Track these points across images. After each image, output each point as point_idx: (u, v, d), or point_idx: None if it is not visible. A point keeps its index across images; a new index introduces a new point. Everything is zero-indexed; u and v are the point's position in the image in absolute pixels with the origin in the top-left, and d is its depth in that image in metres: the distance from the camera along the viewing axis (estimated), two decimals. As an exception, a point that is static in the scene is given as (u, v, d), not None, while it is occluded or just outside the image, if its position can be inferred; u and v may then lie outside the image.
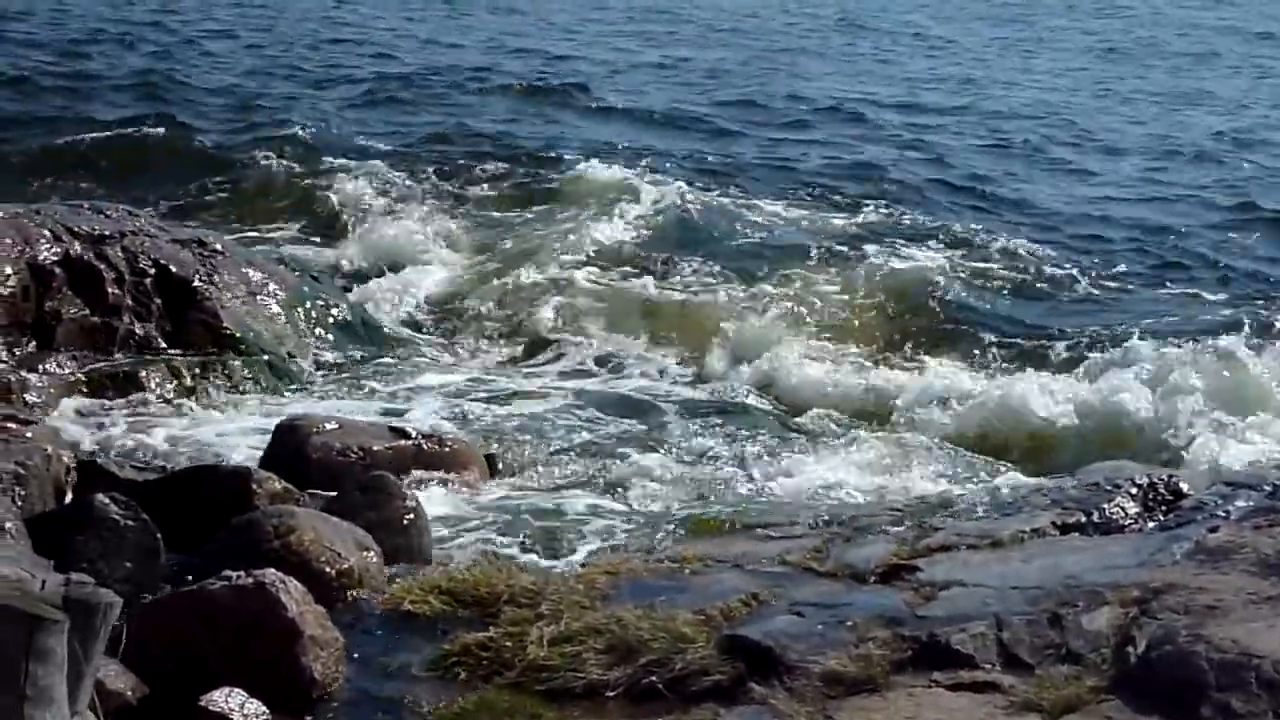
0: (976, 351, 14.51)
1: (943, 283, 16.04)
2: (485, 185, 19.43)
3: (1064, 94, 30.24)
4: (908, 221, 18.74)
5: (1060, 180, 22.39)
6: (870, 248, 17.25)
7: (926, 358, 14.43)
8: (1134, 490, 9.31)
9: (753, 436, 11.98)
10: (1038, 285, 16.66)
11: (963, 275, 16.54)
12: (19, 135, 20.72)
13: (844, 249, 17.12)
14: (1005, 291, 16.33)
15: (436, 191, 19.08)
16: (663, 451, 11.51)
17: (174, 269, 12.70)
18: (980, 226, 18.62)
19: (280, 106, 23.54)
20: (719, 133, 23.94)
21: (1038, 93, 30.23)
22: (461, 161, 20.48)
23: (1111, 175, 22.95)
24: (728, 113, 25.67)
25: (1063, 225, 19.37)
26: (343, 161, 19.83)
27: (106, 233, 12.59)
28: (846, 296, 15.60)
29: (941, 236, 17.98)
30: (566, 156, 20.88)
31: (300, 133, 21.24)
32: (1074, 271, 17.02)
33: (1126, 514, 9.18)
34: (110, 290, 12.23)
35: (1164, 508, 9.21)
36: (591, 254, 16.59)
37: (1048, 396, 13.18)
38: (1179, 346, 13.93)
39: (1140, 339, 14.29)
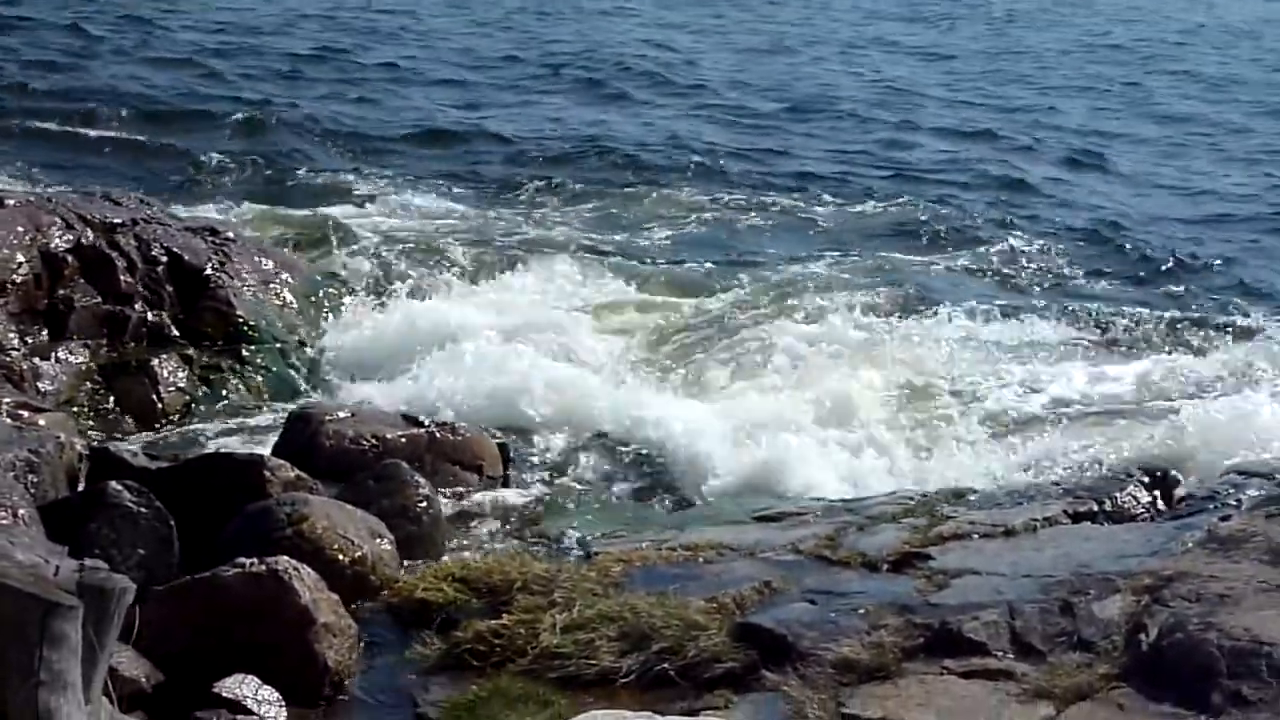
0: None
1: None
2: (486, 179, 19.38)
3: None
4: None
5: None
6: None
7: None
8: (1146, 479, 9.37)
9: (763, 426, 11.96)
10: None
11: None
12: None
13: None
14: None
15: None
16: (673, 442, 11.46)
17: (186, 257, 12.68)
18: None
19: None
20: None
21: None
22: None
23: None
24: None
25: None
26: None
27: (118, 221, 12.58)
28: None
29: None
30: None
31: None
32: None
33: (1138, 503, 9.22)
34: (122, 278, 12.22)
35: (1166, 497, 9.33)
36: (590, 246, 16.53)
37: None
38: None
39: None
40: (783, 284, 15.20)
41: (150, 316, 12.24)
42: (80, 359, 11.66)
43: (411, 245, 15.50)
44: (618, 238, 16.99)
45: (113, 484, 7.85)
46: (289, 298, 13.23)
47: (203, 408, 11.66)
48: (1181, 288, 15.96)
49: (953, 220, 18.38)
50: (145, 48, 26.25)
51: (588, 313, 14.10)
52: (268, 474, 8.58)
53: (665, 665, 6.93)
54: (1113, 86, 30.59)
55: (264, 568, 7.03)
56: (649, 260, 16.16)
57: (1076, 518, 9.00)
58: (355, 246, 15.35)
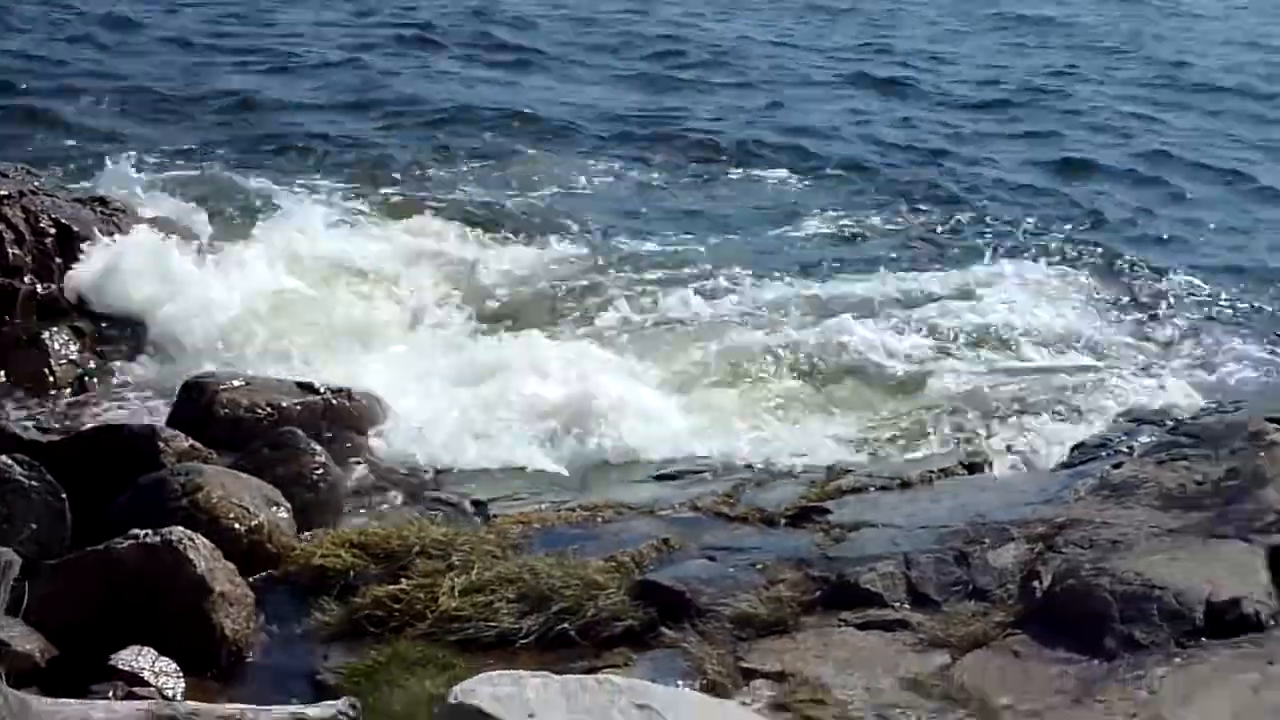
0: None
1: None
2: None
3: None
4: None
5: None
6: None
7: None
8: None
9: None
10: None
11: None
12: None
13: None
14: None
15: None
16: (567, 403, 11.40)
17: (76, 228, 12.52)
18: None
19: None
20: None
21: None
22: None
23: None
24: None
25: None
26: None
27: (4, 193, 12.35)
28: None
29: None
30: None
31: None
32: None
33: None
34: (10, 251, 12.03)
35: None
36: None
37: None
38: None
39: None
40: (652, 251, 15.20)
41: (40, 289, 12.06)
42: (-32, 334, 11.49)
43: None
44: (496, 200, 16.80)
45: (3, 458, 7.75)
46: (182, 267, 13.05)
47: (96, 380, 11.52)
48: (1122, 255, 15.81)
49: (848, 181, 18.41)
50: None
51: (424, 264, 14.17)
52: (161, 444, 8.53)
53: (565, 625, 6.94)
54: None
55: (158, 539, 6.96)
56: (523, 219, 16.08)
57: (972, 469, 9.12)
58: (241, 211, 15.25)
